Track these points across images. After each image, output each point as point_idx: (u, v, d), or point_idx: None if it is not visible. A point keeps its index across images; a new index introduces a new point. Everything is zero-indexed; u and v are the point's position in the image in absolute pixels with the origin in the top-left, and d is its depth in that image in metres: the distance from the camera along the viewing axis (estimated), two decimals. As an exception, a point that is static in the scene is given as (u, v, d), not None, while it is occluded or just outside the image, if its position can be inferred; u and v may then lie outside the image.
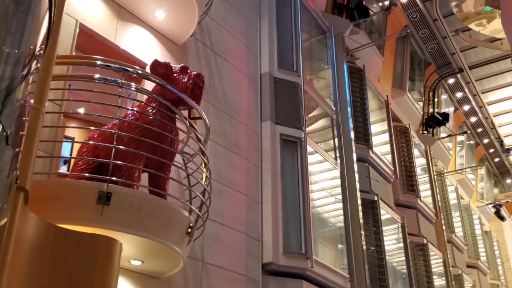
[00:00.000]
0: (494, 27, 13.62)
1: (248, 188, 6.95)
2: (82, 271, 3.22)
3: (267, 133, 7.67)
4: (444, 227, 14.33)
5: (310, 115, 9.43)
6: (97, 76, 4.39)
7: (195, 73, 5.04)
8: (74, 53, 5.13)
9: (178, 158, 5.09)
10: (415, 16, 13.82)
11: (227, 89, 7.22)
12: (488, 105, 17.88)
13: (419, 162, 14.74)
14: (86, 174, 4.59)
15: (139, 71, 4.71)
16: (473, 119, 18.65)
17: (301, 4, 9.29)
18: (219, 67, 7.19)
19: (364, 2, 11.19)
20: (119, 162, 4.28)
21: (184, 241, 4.67)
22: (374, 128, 12.05)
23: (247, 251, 6.54)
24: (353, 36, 11.25)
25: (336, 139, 9.77)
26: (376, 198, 10.39)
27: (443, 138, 16.22)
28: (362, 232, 9.14)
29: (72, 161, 5.14)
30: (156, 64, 4.94)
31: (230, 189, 6.60)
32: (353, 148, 9.80)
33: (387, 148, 12.47)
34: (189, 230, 4.66)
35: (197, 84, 5.00)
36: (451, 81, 16.53)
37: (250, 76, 7.88)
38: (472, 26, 13.87)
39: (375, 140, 11.69)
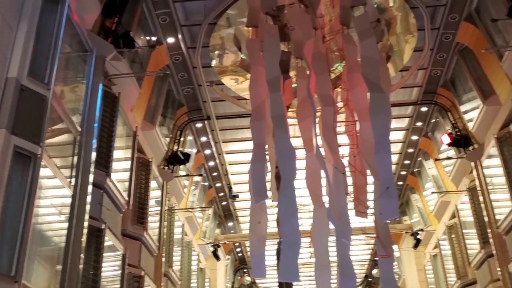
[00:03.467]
0: (243, 87, 15.15)
1: (-39, 198, 6.28)
2: None
3: (-1, 142, 7.10)
4: (164, 260, 14.98)
5: (53, 127, 9.06)
6: None
7: None
8: None
9: None
10: (177, 58, 14.58)
11: (-38, 85, 6.51)
12: (226, 154, 19.62)
13: (155, 195, 15.28)
14: None
15: None
16: (211, 164, 20.20)
17: (67, 18, 9.01)
18: (-43, 60, 6.47)
19: (131, 33, 11.41)
20: None
21: None
22: (117, 155, 12.13)
23: None
24: (114, 62, 11.31)
25: (75, 160, 9.54)
26: (103, 226, 10.39)
27: (181, 176, 17.13)
28: (82, 256, 8.98)
29: None
30: None
31: None
32: (91, 172, 9.69)
33: (126, 177, 12.64)
34: None
35: None
36: (199, 125, 17.72)
37: (-7, 77, 7.26)
38: (225, 80, 15.17)
39: (116, 167, 11.77)
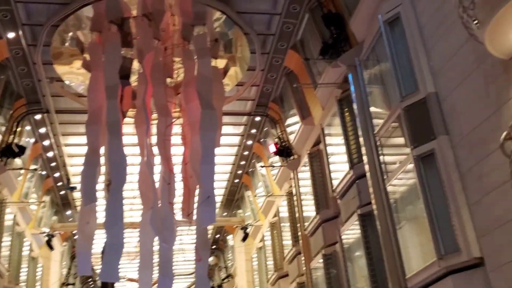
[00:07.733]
0: (84, 85, 15.35)
1: None
2: None
3: None
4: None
5: None
6: None
7: None
8: None
9: None
10: (18, 53, 14.48)
11: None
12: (65, 146, 19.68)
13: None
14: None
15: None
16: (50, 154, 20.07)
17: None
18: None
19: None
20: None
21: None
22: None
23: None
24: None
25: None
26: None
27: (14, 169, 16.93)
28: None
29: None
30: None
31: None
32: None
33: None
34: None
35: None
36: (38, 117, 17.60)
37: None
38: (60, 69, 15.09)
39: None
